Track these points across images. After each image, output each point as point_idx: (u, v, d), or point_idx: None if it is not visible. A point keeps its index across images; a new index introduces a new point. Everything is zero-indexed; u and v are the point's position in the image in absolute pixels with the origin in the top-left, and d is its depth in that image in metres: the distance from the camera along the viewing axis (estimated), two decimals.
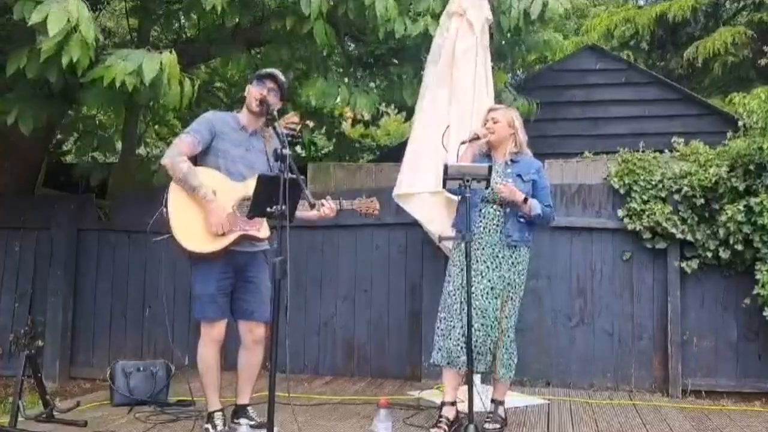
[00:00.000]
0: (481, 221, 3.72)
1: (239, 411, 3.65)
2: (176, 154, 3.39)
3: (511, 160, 3.81)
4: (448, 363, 3.68)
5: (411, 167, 4.60)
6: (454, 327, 3.68)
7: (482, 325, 3.64)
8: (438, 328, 3.79)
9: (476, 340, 3.61)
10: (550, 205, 3.86)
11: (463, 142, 3.79)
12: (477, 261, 3.69)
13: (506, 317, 3.75)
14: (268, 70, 3.60)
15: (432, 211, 4.54)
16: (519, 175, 3.75)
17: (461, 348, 3.61)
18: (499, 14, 5.21)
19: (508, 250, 3.71)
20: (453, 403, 3.68)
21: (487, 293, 3.68)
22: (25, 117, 4.47)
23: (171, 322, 5.20)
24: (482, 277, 3.69)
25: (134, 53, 3.98)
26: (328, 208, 3.57)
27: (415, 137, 4.65)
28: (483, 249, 3.71)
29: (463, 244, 3.63)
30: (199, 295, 3.50)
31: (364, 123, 7.58)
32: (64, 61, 3.62)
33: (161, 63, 3.90)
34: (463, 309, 3.57)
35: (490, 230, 3.71)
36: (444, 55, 4.71)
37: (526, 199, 3.67)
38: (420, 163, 4.54)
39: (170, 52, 4.00)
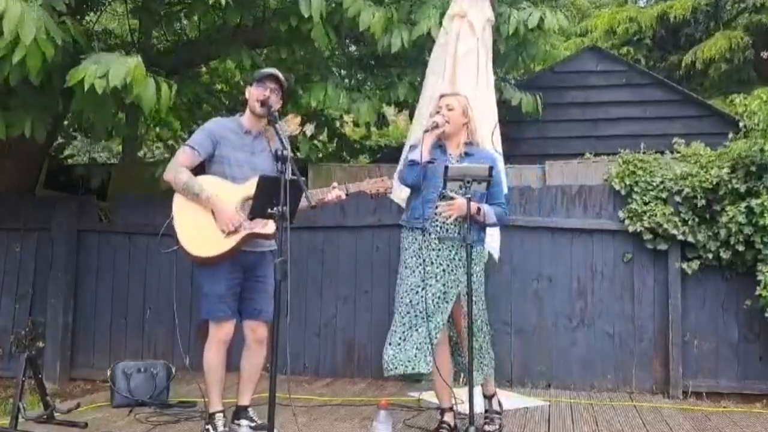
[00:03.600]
0: (437, 220, 3.54)
1: (240, 412, 3.64)
2: (176, 168, 3.44)
3: (465, 153, 3.63)
4: (395, 369, 3.47)
5: None
6: (395, 331, 3.51)
7: (428, 329, 3.46)
8: (393, 334, 3.54)
9: (417, 341, 3.45)
10: (503, 202, 3.70)
11: (425, 131, 3.62)
12: (432, 263, 3.52)
13: (475, 320, 3.53)
14: (268, 70, 3.60)
15: None
16: None
17: (402, 350, 3.47)
18: (500, 23, 5.26)
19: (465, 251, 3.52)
20: (451, 408, 3.65)
21: (439, 298, 3.49)
22: (38, 126, 4.48)
23: (173, 324, 5.19)
24: (436, 280, 3.50)
25: (106, 57, 3.97)
26: (335, 195, 3.55)
27: (412, 138, 4.63)
28: (440, 251, 3.53)
29: (414, 244, 3.55)
30: (208, 295, 3.49)
31: (367, 125, 7.57)
32: (14, 60, 3.63)
33: (128, 67, 3.87)
34: (419, 312, 3.47)
35: (447, 229, 3.52)
36: (447, 57, 4.71)
37: (478, 210, 3.49)
38: None
39: (137, 56, 3.98)
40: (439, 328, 3.50)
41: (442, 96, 3.78)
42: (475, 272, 3.57)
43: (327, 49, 5.76)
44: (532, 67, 7.25)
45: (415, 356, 3.47)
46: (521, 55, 6.21)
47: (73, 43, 4.07)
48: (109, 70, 3.82)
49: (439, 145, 3.65)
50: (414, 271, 3.54)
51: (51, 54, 3.73)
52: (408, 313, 3.51)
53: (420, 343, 3.47)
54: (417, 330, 3.49)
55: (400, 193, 4.76)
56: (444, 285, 3.51)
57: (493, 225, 3.65)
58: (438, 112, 3.66)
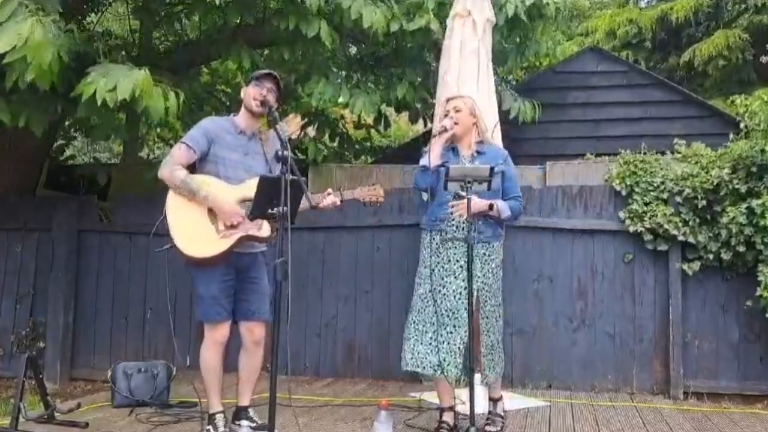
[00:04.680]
0: (452, 220, 3.60)
1: (240, 412, 3.64)
2: (172, 164, 3.40)
3: (477, 152, 3.69)
4: (422, 369, 3.57)
5: None
6: (426, 331, 3.57)
7: (454, 326, 3.53)
8: (408, 331, 3.66)
9: (447, 343, 3.52)
10: (519, 195, 3.75)
11: (433, 135, 3.67)
12: (450, 261, 3.59)
13: (485, 317, 3.63)
14: (266, 70, 3.59)
15: None
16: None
17: (432, 352, 3.53)
18: (495, 12, 5.27)
19: (481, 248, 3.59)
20: (451, 408, 3.66)
21: (460, 294, 3.54)
22: (35, 119, 4.50)
23: (172, 324, 5.19)
24: (455, 277, 3.57)
25: (115, 69, 4.04)
26: (330, 201, 3.55)
27: None
28: (456, 248, 3.58)
29: (432, 243, 3.60)
30: (203, 297, 3.48)
31: (367, 127, 7.56)
32: (28, 78, 3.73)
33: (135, 80, 3.96)
34: (444, 310, 3.53)
35: (462, 228, 3.56)
36: (451, 57, 4.71)
37: (491, 206, 3.54)
38: None
39: (144, 69, 4.05)
40: (464, 325, 3.50)
41: (448, 99, 3.84)
42: (491, 269, 3.64)
43: (328, 50, 5.75)
44: (534, 62, 7.24)
45: (445, 360, 3.52)
46: (523, 52, 6.21)
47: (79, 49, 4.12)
48: (118, 83, 3.90)
49: (452, 148, 3.70)
50: (433, 271, 3.59)
51: (57, 69, 3.80)
52: (435, 312, 3.55)
53: (451, 345, 3.52)
54: (445, 328, 3.54)
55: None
56: (464, 281, 3.54)
57: (508, 219, 3.69)
58: (446, 115, 3.71)
